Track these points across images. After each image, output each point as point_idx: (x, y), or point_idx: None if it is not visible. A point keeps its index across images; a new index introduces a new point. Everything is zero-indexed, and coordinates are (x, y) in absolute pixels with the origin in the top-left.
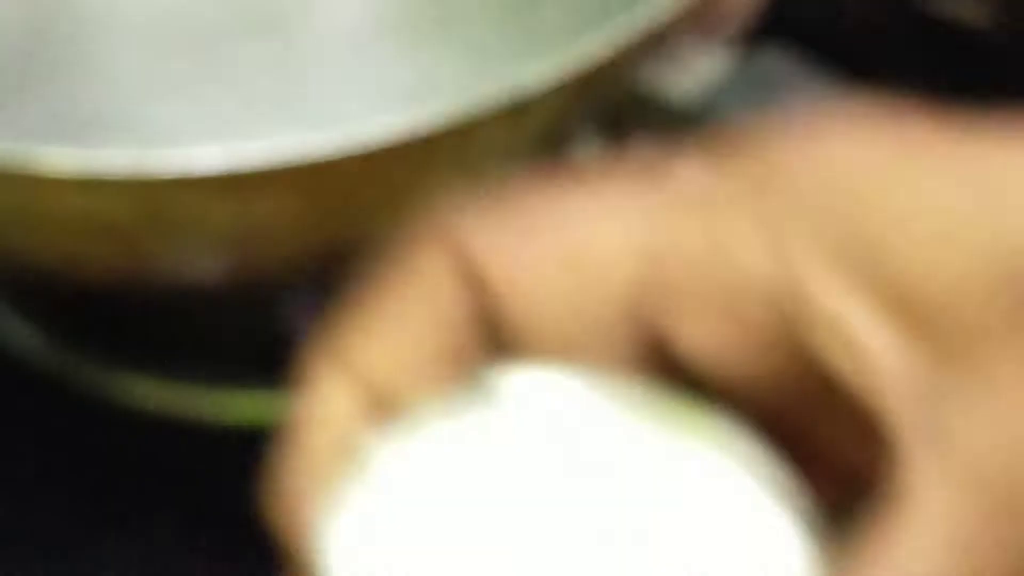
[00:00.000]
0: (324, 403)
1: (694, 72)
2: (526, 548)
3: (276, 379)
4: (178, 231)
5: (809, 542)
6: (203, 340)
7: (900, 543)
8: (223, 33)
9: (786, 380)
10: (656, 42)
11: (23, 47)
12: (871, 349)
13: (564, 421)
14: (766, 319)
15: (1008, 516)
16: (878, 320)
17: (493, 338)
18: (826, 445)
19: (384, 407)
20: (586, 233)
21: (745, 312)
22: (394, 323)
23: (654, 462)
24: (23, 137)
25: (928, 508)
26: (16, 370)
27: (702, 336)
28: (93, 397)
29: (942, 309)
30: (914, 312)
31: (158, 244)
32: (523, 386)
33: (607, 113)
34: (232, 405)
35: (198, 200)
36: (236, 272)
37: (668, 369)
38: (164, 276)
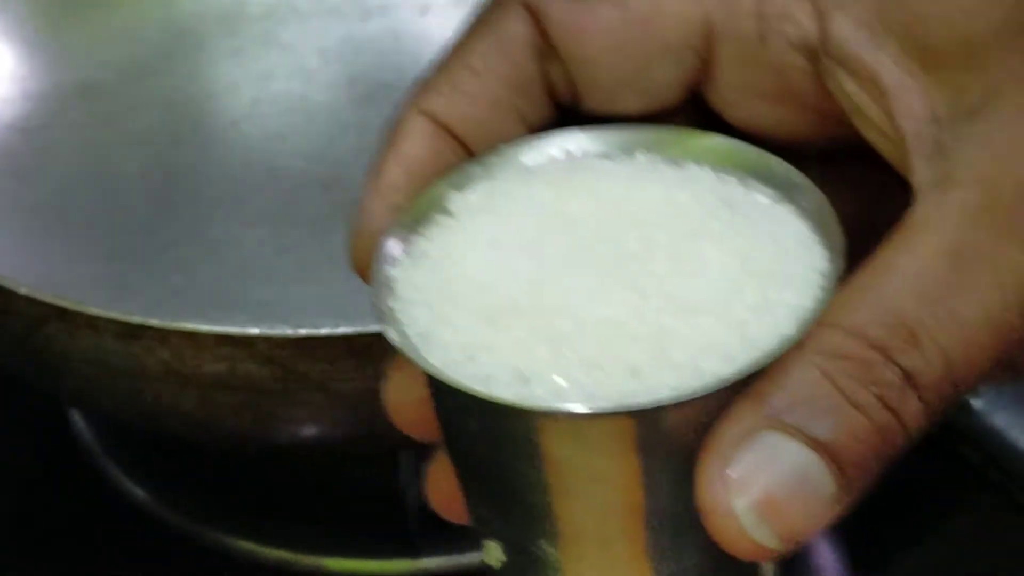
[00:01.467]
0: (404, 139)
1: None
2: (575, 269)
3: (392, 543)
4: (303, 392)
5: (830, 259)
6: (323, 502)
7: (905, 251)
8: (335, 216)
9: (810, 128)
10: None
11: (148, 223)
12: (896, 92)
13: (606, 165)
14: (803, 69)
15: (1011, 238)
16: (903, 67)
17: (553, 93)
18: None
19: (456, 147)
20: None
21: (782, 62)
22: (470, 69)
23: (696, 189)
24: (145, 307)
25: (934, 225)
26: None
27: (741, 82)
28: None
29: (959, 53)
30: (935, 58)
31: (285, 404)
32: (575, 138)
33: None
34: (352, 566)
35: (324, 363)
36: (356, 434)
37: (703, 121)
38: (287, 436)
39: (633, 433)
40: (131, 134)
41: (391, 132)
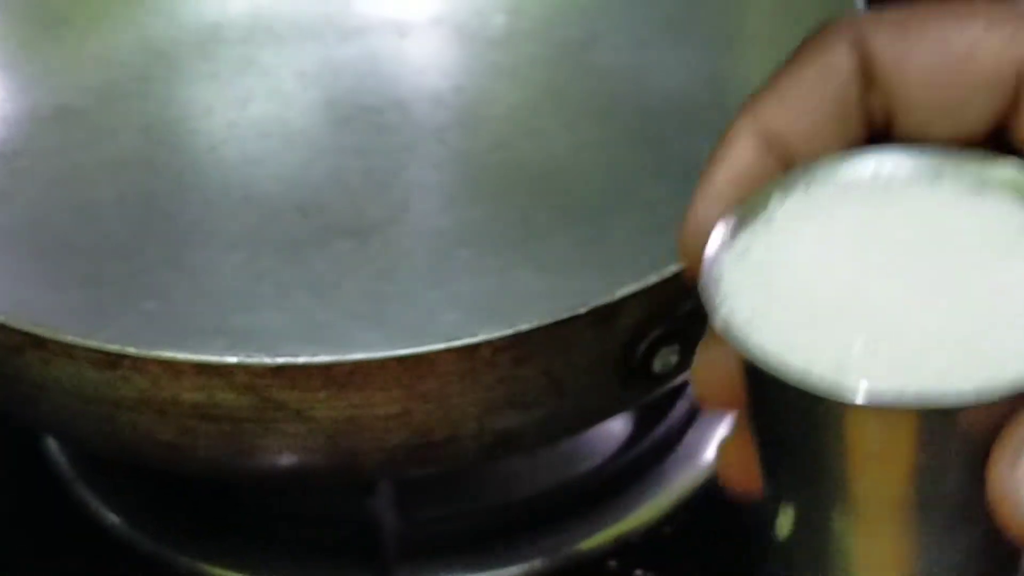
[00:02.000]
0: (733, 146)
1: None
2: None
3: (367, 568)
4: (282, 421)
5: None
6: (297, 528)
7: None
8: (313, 241)
9: None
10: None
11: (124, 248)
12: None
13: (916, 187)
14: None
15: None
16: None
17: (869, 117)
18: None
19: (782, 158)
20: (967, 38)
21: None
22: (798, 89)
23: (1001, 213)
24: (120, 334)
25: None
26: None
27: None
28: None
29: None
30: None
31: (263, 433)
32: (887, 158)
33: (684, 324)
34: None
35: (303, 391)
36: (334, 462)
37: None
38: (265, 464)
39: (933, 426)
40: (107, 159)
41: (721, 140)
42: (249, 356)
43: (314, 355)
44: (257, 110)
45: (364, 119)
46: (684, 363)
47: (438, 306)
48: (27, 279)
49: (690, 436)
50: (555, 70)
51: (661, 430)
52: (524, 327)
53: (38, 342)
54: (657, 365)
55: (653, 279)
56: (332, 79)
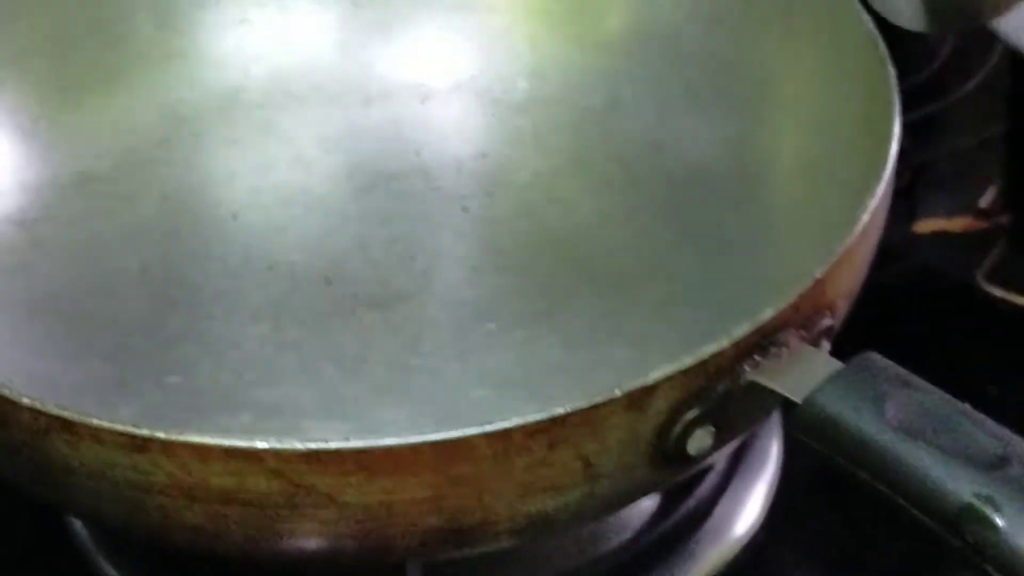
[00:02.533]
0: None
1: (799, 366)
2: None
3: None
4: (312, 506)
5: None
6: None
7: None
8: (337, 313)
9: None
10: (764, 340)
11: (145, 320)
12: None
13: None
14: None
15: None
16: None
17: None
18: None
19: None
20: None
21: None
22: None
23: None
24: (144, 410)
25: None
26: None
27: None
28: None
29: None
30: None
31: (293, 518)
32: None
33: (719, 405)
34: None
35: (334, 476)
36: (365, 546)
37: None
38: (294, 548)
39: None
40: (128, 227)
41: None
42: (280, 441)
43: (345, 438)
44: (279, 177)
45: (387, 186)
46: (719, 443)
47: (464, 381)
48: (47, 352)
49: (720, 509)
50: (578, 137)
51: (690, 504)
52: (558, 411)
53: (65, 425)
54: (692, 447)
55: (688, 361)
56: (354, 145)
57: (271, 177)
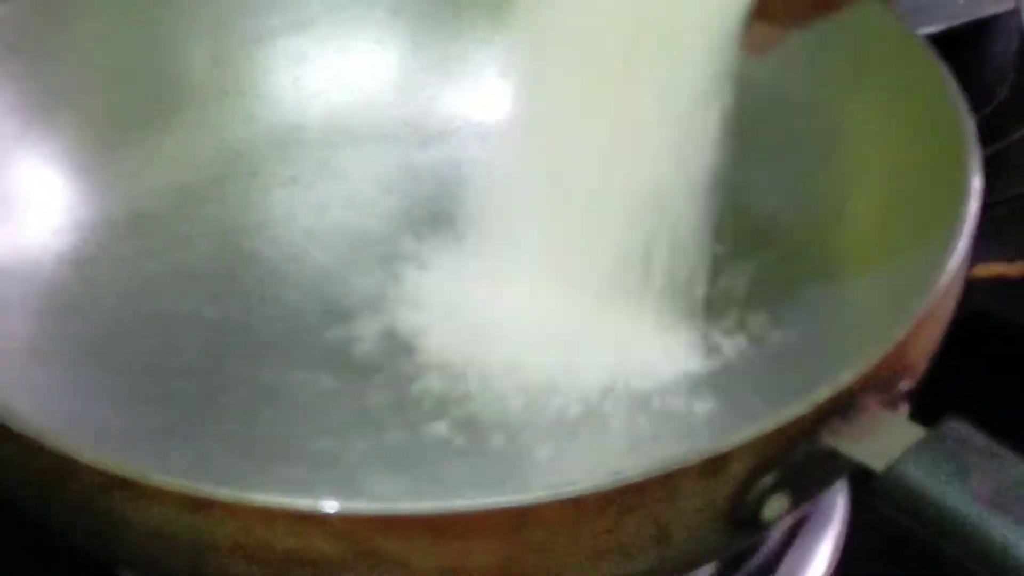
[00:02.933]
0: None
1: (880, 432)
2: None
3: None
4: (379, 570)
5: None
6: None
7: None
8: (395, 360)
9: None
10: (843, 403)
11: (199, 365)
12: None
13: None
14: None
15: None
16: None
17: None
18: None
19: None
20: None
21: None
22: None
23: None
24: (196, 459)
25: None
26: None
27: None
28: None
29: None
30: None
31: None
32: None
33: (796, 470)
34: None
35: (403, 540)
36: None
37: None
38: None
39: None
40: (182, 268)
41: None
42: (348, 503)
43: (415, 501)
44: (336, 218)
45: (445, 226)
46: (793, 508)
47: (530, 434)
48: (100, 396)
49: (784, 568)
50: None
51: (754, 563)
52: (632, 478)
53: (124, 483)
54: (767, 513)
55: (767, 425)
56: (412, 185)
57: (328, 218)
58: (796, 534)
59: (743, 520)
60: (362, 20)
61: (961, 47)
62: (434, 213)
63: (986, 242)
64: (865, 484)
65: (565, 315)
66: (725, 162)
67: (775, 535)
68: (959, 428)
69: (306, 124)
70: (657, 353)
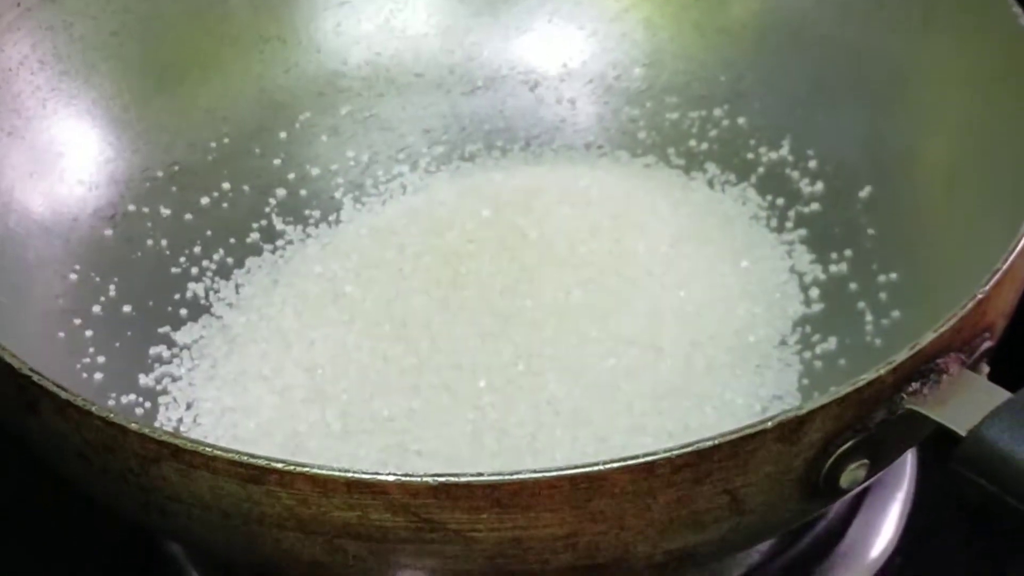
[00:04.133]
0: None
1: (962, 394)
2: None
3: None
4: (439, 542)
5: None
6: None
7: None
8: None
9: None
10: (923, 366)
11: None
12: None
13: None
14: None
15: None
16: None
17: None
18: None
19: None
20: None
21: None
22: None
23: None
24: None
25: None
26: None
27: None
28: None
29: None
30: None
31: (418, 554)
32: None
33: (874, 435)
34: None
35: (464, 512)
36: None
37: None
38: None
39: None
40: (223, 224)
41: None
42: (407, 475)
43: (477, 473)
44: (381, 171)
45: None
46: (871, 475)
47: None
48: (140, 354)
49: (853, 532)
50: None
51: (822, 527)
52: (705, 443)
53: (176, 452)
54: (844, 480)
55: (844, 389)
56: (460, 135)
57: (372, 171)
58: (863, 498)
59: (820, 487)
60: None
61: None
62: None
63: None
64: (935, 446)
65: None
66: (791, 111)
67: (842, 500)
68: None
69: (348, 72)
70: None
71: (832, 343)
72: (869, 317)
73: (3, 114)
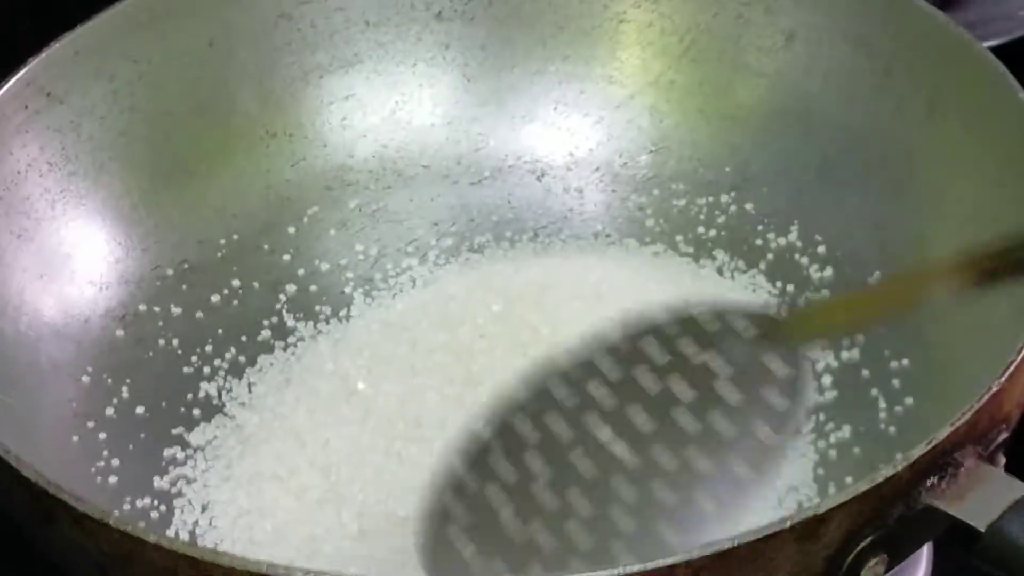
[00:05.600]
0: None
1: (979, 488)
2: None
3: None
4: None
5: None
6: None
7: None
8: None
9: None
10: (940, 459)
11: None
12: None
13: None
14: None
15: None
16: None
17: None
18: None
19: None
20: None
21: None
22: None
23: None
24: None
25: None
26: None
27: None
28: None
29: None
30: None
31: None
32: None
33: (893, 530)
34: None
35: None
36: None
37: None
38: None
39: None
40: (234, 321)
41: None
42: None
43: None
44: (391, 264)
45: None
46: (890, 568)
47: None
48: (153, 459)
49: None
50: (705, 216)
51: None
52: (725, 544)
53: (194, 563)
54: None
55: (862, 486)
56: (468, 226)
57: (382, 265)
58: None
59: None
60: (410, 55)
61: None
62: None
63: None
64: (950, 536)
65: None
66: (798, 197)
67: None
68: None
69: (355, 165)
70: None
71: (846, 431)
72: (883, 404)
73: (13, 217)
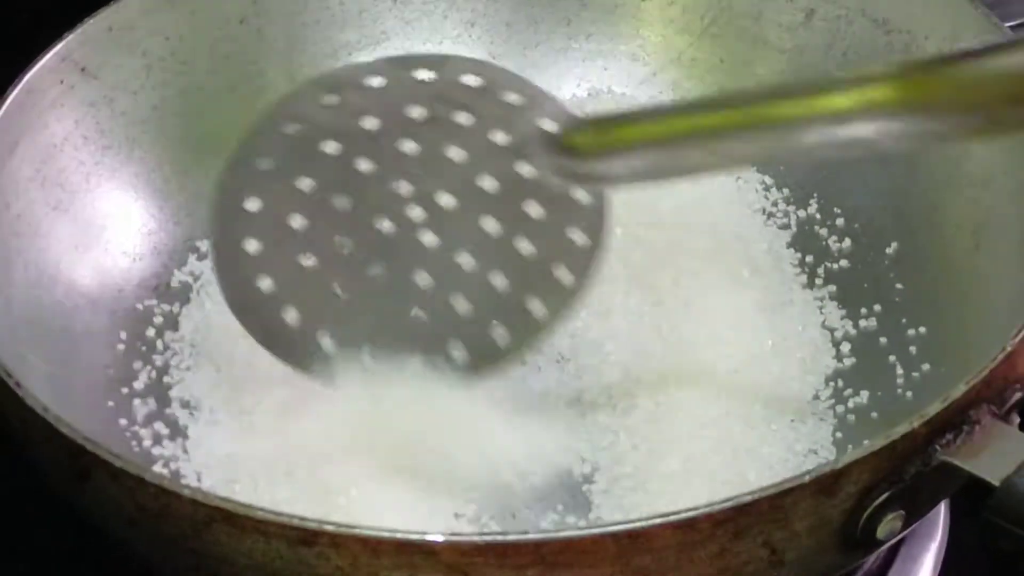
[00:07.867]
0: None
1: (994, 445)
2: None
3: None
4: None
5: None
6: None
7: None
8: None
9: None
10: (955, 417)
11: None
12: None
13: None
14: None
15: None
16: None
17: None
18: None
19: None
20: None
21: None
22: None
23: None
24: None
25: None
26: None
27: None
28: None
29: None
30: None
31: None
32: None
33: (909, 486)
34: None
35: (511, 569)
36: None
37: None
38: None
39: None
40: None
41: None
42: (455, 534)
43: (523, 532)
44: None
45: None
46: (907, 525)
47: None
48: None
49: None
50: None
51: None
52: (745, 498)
53: (228, 516)
54: (881, 531)
55: (879, 442)
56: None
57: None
58: (897, 551)
59: (858, 538)
60: (436, 32)
61: None
62: None
63: None
64: (968, 497)
65: None
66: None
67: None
68: None
69: None
70: None
71: (864, 397)
72: (900, 371)
73: (49, 189)
